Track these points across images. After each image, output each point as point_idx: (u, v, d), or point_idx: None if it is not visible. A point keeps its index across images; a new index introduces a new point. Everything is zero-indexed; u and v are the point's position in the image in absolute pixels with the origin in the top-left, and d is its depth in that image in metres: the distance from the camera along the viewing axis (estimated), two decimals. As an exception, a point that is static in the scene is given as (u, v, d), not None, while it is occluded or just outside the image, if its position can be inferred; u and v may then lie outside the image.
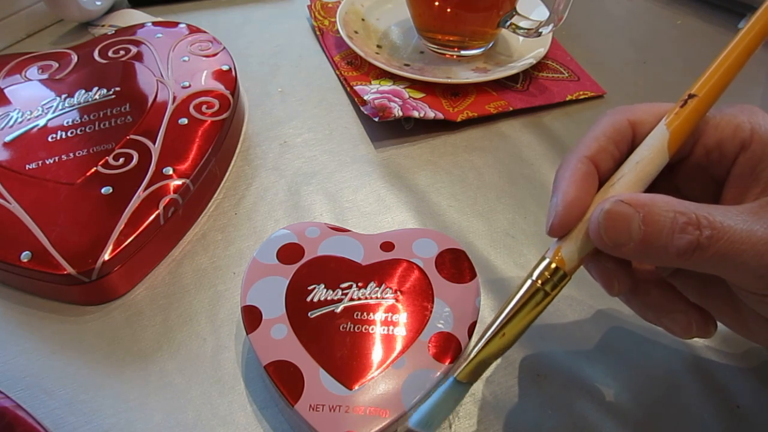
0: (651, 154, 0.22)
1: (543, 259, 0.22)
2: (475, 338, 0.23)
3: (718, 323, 0.25)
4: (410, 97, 0.43)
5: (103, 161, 0.35)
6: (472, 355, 0.22)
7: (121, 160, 0.35)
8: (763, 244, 0.19)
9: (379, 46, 0.47)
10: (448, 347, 0.26)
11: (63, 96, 0.39)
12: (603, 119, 0.24)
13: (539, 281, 0.22)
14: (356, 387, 0.25)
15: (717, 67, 0.23)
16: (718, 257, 0.20)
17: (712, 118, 0.24)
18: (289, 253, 0.29)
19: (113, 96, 0.39)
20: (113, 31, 0.44)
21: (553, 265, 0.22)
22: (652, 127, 0.23)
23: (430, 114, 0.41)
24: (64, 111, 0.38)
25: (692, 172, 0.25)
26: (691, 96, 0.22)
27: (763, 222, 0.20)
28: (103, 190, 0.33)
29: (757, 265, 0.20)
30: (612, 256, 0.22)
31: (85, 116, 0.37)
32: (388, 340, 0.26)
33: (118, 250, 0.31)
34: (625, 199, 0.20)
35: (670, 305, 0.24)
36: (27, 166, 0.34)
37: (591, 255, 0.22)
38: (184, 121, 0.37)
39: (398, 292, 0.28)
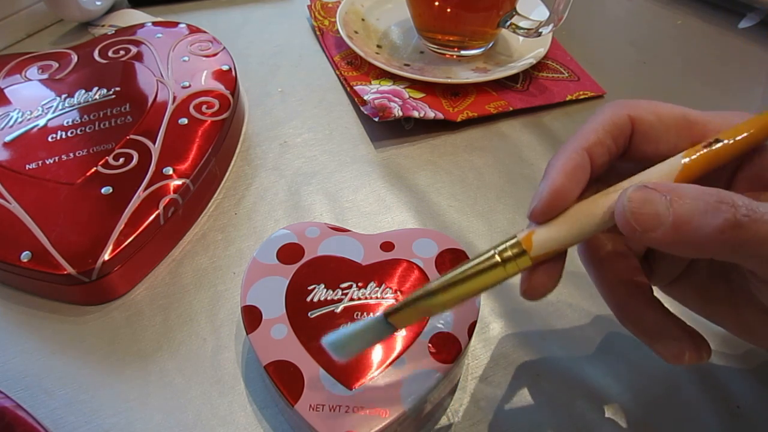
0: (658, 180, 0.21)
1: (513, 237, 0.22)
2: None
3: (708, 326, 0.24)
4: (410, 97, 0.43)
5: (103, 161, 0.35)
6: (408, 299, 0.22)
7: (121, 160, 0.35)
8: None
9: (379, 46, 0.47)
10: (448, 347, 0.26)
11: (63, 96, 0.39)
12: (604, 111, 0.24)
13: (500, 257, 0.21)
14: (356, 387, 0.25)
15: (754, 120, 0.21)
16: (758, 240, 0.18)
17: (711, 125, 0.23)
18: (289, 253, 0.29)
19: (113, 96, 0.39)
20: (113, 31, 0.44)
21: (522, 246, 0.21)
22: (651, 125, 0.23)
23: (430, 114, 0.41)
24: (64, 111, 0.38)
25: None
26: (717, 141, 0.21)
27: None
28: (103, 190, 0.33)
29: None
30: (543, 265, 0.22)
31: (85, 116, 0.37)
32: (388, 340, 0.26)
33: (118, 250, 0.31)
34: (649, 183, 0.20)
35: (663, 330, 0.23)
36: (27, 166, 0.34)
37: (561, 252, 0.22)
38: (184, 121, 0.37)
39: (398, 292, 0.28)
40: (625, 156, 0.24)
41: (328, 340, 0.23)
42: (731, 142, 0.21)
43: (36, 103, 0.38)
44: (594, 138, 0.23)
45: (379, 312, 0.22)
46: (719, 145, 0.21)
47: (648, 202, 0.19)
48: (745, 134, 0.21)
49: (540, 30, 0.43)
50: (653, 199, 0.19)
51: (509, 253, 0.21)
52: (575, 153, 0.22)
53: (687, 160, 0.21)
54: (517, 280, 0.33)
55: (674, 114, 0.23)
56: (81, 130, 0.36)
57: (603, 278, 0.25)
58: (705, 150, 0.21)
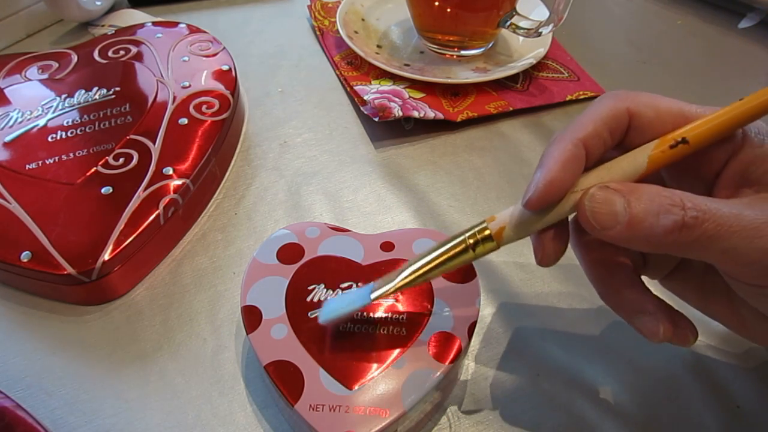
0: (621, 176, 0.22)
1: (483, 222, 0.24)
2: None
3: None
4: (410, 97, 0.43)
5: (103, 161, 0.35)
6: (394, 285, 0.24)
7: (121, 160, 0.35)
8: (753, 228, 0.19)
9: (379, 46, 0.47)
10: (448, 347, 0.26)
11: (63, 96, 0.39)
12: (603, 102, 0.24)
13: (471, 240, 0.23)
14: (356, 387, 0.25)
15: (716, 116, 0.22)
16: (706, 238, 0.20)
17: None
18: (289, 253, 0.29)
19: (113, 96, 0.39)
20: (113, 31, 0.44)
21: (487, 232, 0.23)
22: (649, 121, 0.23)
23: (430, 114, 0.41)
24: (64, 111, 0.38)
25: (680, 171, 0.25)
26: (684, 141, 0.22)
27: (755, 209, 0.20)
28: (103, 190, 0.33)
29: (747, 250, 0.20)
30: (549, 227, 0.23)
31: (85, 116, 0.37)
32: (388, 340, 0.26)
33: (118, 250, 0.31)
34: (611, 185, 0.21)
35: (639, 306, 0.24)
36: (27, 166, 0.34)
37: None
38: (184, 121, 0.37)
39: (398, 293, 0.28)
40: (618, 147, 0.24)
41: (324, 315, 0.26)
42: (695, 141, 0.22)
43: (36, 103, 0.38)
44: (592, 130, 0.23)
45: (366, 290, 0.25)
46: (685, 146, 0.22)
47: (608, 202, 0.21)
48: (709, 133, 0.22)
49: (540, 30, 0.43)
50: (612, 200, 0.21)
51: (477, 237, 0.23)
52: (571, 144, 0.22)
53: (650, 160, 0.22)
54: (515, 282, 0.33)
55: (672, 109, 0.23)
56: (81, 130, 0.36)
57: (586, 257, 0.26)
58: (670, 150, 0.22)
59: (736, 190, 0.23)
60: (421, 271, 0.24)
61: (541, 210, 0.22)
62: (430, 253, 0.24)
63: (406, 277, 0.24)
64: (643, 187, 0.21)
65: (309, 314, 0.27)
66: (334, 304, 0.26)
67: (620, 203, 0.21)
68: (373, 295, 0.25)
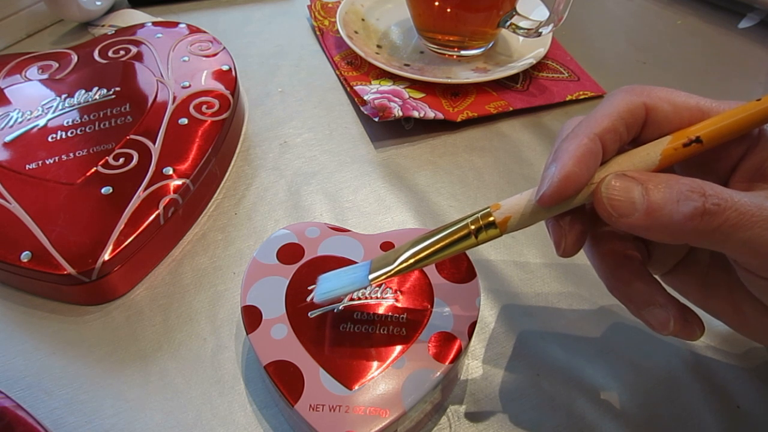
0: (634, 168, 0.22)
1: (487, 208, 0.23)
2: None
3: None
4: (410, 97, 0.43)
5: (103, 161, 0.35)
6: (392, 269, 0.24)
7: (121, 160, 0.35)
8: None
9: (379, 46, 0.47)
10: (448, 347, 0.26)
11: (63, 96, 0.39)
12: (620, 97, 0.23)
13: (473, 226, 0.23)
14: (356, 387, 0.25)
15: (732, 114, 0.22)
16: (728, 227, 0.19)
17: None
18: (289, 253, 0.29)
19: (113, 96, 0.39)
20: (113, 31, 0.44)
21: (491, 219, 0.23)
22: (666, 115, 0.23)
23: (430, 114, 0.41)
24: (64, 111, 0.38)
25: (693, 166, 0.25)
26: (698, 140, 0.22)
27: None
28: (103, 190, 0.33)
29: None
30: (567, 214, 0.23)
31: (85, 116, 0.37)
32: (388, 340, 0.26)
33: (118, 250, 0.31)
34: (628, 172, 0.21)
35: (649, 298, 0.23)
36: (27, 166, 0.34)
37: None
38: (184, 121, 0.37)
39: (398, 292, 0.28)
40: (633, 142, 0.24)
41: (319, 294, 0.26)
42: (709, 140, 0.22)
43: (36, 103, 0.38)
44: (608, 124, 0.22)
45: (364, 271, 0.25)
46: (699, 146, 0.22)
47: (625, 190, 0.21)
48: (724, 132, 0.22)
49: (540, 30, 0.43)
50: (630, 187, 0.21)
51: (480, 223, 0.23)
52: (588, 139, 0.22)
53: (662, 156, 0.22)
54: (515, 282, 0.33)
55: (689, 104, 0.23)
56: (81, 130, 0.36)
57: (595, 249, 0.25)
58: (683, 148, 0.22)
59: (751, 184, 0.23)
60: (420, 256, 0.24)
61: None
62: (430, 237, 0.24)
63: (404, 261, 0.24)
64: (660, 175, 0.21)
65: (309, 314, 0.27)
66: (331, 283, 0.26)
67: (638, 191, 0.20)
68: (371, 277, 0.25)
